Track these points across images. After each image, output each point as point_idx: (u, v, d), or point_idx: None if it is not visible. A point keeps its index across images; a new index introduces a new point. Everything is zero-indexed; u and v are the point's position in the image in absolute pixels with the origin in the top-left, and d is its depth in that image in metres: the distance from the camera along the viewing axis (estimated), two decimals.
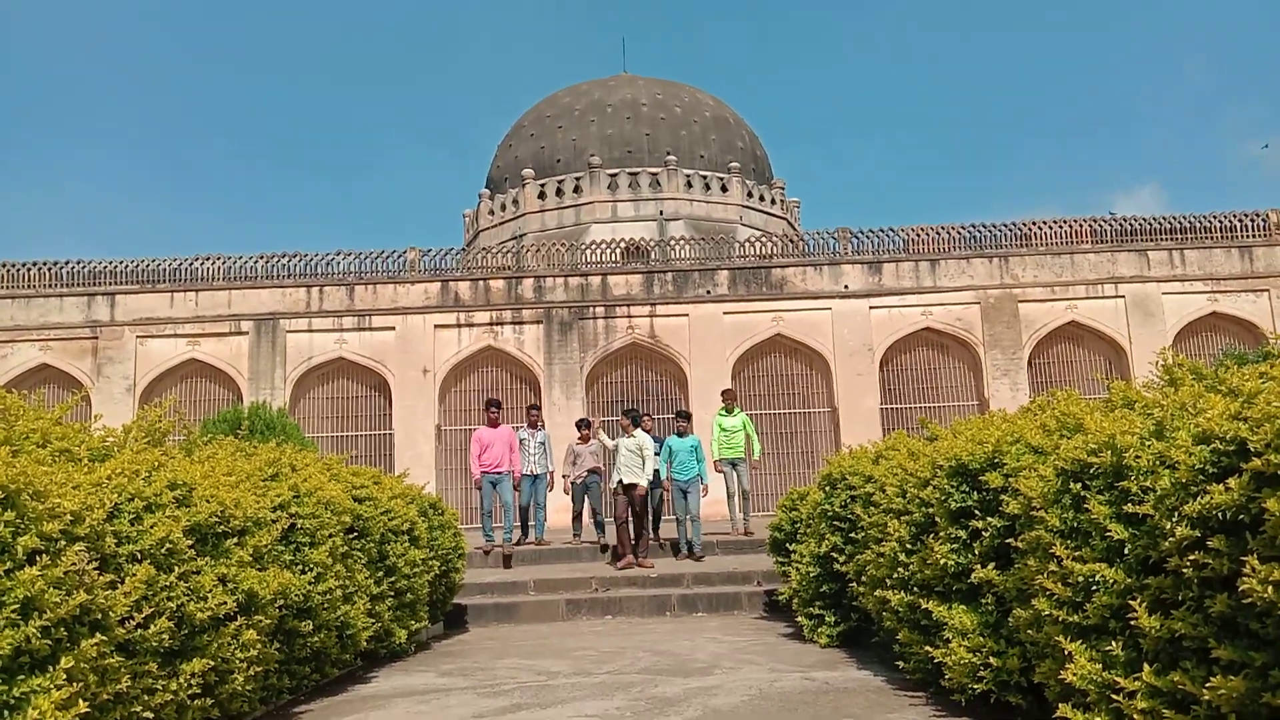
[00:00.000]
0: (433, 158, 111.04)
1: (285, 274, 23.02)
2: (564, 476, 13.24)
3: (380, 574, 6.54)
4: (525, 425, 13.17)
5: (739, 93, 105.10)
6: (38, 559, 3.09)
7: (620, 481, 11.63)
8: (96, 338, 22.59)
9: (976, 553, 4.42)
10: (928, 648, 4.55)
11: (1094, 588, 3.31)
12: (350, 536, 6.06)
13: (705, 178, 27.96)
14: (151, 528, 3.83)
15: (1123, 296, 22.08)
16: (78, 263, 23.18)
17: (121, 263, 23.23)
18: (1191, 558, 2.83)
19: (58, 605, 3.10)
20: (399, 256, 23.21)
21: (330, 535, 5.61)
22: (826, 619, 6.83)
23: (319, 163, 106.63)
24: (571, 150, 28.36)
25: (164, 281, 22.93)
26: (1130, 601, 3.10)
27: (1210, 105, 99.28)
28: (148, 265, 23.13)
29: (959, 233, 22.87)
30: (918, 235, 22.91)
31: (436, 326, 22.54)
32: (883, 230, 22.99)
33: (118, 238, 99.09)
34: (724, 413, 13.60)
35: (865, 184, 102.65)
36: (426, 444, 22.11)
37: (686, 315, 22.38)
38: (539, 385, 22.26)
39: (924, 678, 4.88)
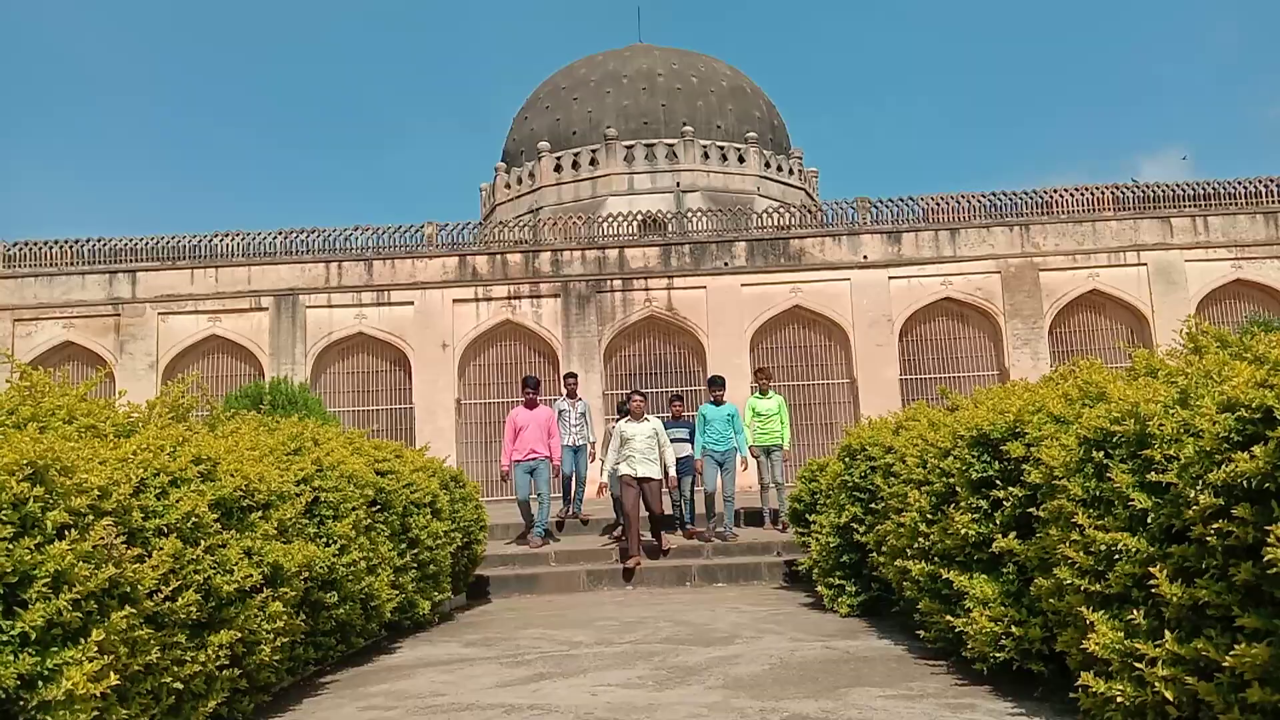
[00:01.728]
0: (449, 132, 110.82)
1: (304, 250, 23.10)
2: (602, 460, 11.34)
3: (403, 546, 6.59)
4: (564, 396, 12.27)
5: (756, 61, 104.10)
6: (67, 533, 3.13)
7: (630, 473, 9.74)
8: (119, 315, 22.77)
9: (998, 522, 4.41)
10: (949, 617, 4.56)
11: (1116, 557, 3.30)
12: (373, 510, 6.11)
13: (722, 149, 27.78)
14: (177, 502, 3.87)
15: (1145, 264, 21.84)
16: (99, 240, 23.33)
17: (142, 240, 23.35)
18: (1215, 526, 2.82)
19: (87, 579, 3.14)
20: (416, 231, 23.23)
21: (353, 508, 5.66)
22: (847, 589, 6.84)
23: (335, 140, 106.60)
24: (587, 122, 28.22)
25: (184, 259, 23.05)
26: (1152, 570, 3.09)
27: (1237, 71, 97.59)
28: (168, 242, 23.25)
29: (979, 201, 22.65)
30: (937, 204, 22.71)
31: (455, 301, 22.59)
32: (902, 200, 22.81)
33: (138, 216, 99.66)
34: (758, 394, 11.86)
35: (884, 153, 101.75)
36: (446, 418, 22.22)
37: (704, 287, 22.31)
38: (557, 359, 22.29)
39: (945, 647, 4.89)
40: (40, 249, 23.26)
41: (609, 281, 22.46)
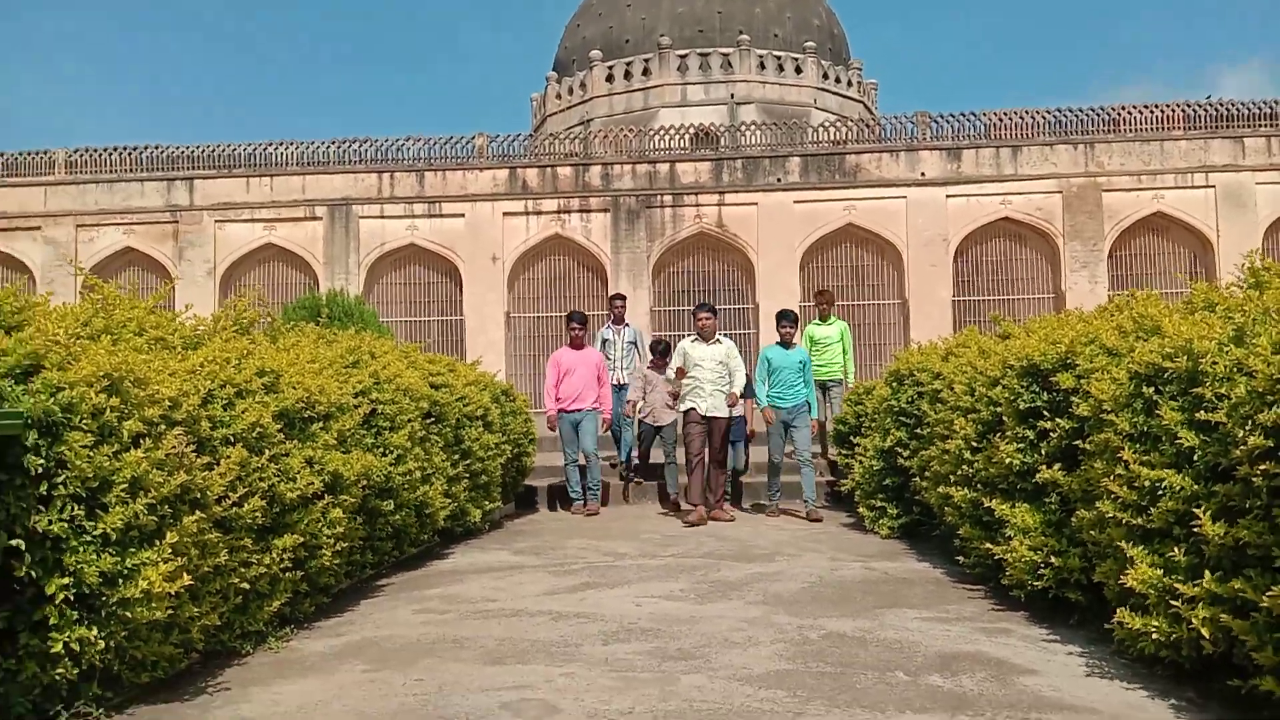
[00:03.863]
0: (500, 40, 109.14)
1: (357, 160, 23.16)
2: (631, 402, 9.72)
3: (456, 457, 6.78)
4: (609, 323, 10.67)
5: None
6: (142, 442, 3.30)
7: (694, 409, 8.23)
8: (177, 222, 23.14)
9: (1043, 453, 4.42)
10: (989, 545, 4.62)
11: (1160, 493, 3.32)
12: (428, 421, 6.28)
13: (779, 58, 27.09)
14: (243, 413, 4.03)
15: (1213, 186, 21.10)
16: (156, 148, 23.59)
17: (198, 148, 23.58)
18: (1262, 467, 2.82)
19: (161, 485, 3.32)
20: (468, 143, 23.13)
21: (409, 420, 5.82)
22: (888, 511, 6.93)
23: (387, 51, 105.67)
24: (640, 30, 27.63)
25: (240, 167, 23.26)
26: (1195, 509, 3.11)
27: None
28: (224, 151, 23.45)
29: (1043, 118, 21.92)
30: (999, 120, 22.03)
31: (505, 214, 22.58)
32: (963, 115, 22.15)
33: (194, 126, 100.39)
34: (818, 321, 10.49)
35: (946, 65, 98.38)
36: (497, 330, 22.44)
37: (756, 204, 22.03)
38: (605, 274, 22.31)
39: (983, 573, 4.96)
40: (100, 156, 23.60)
41: (659, 197, 22.27)
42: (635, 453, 10.01)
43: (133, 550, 3.21)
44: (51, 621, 3.01)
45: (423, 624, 4.51)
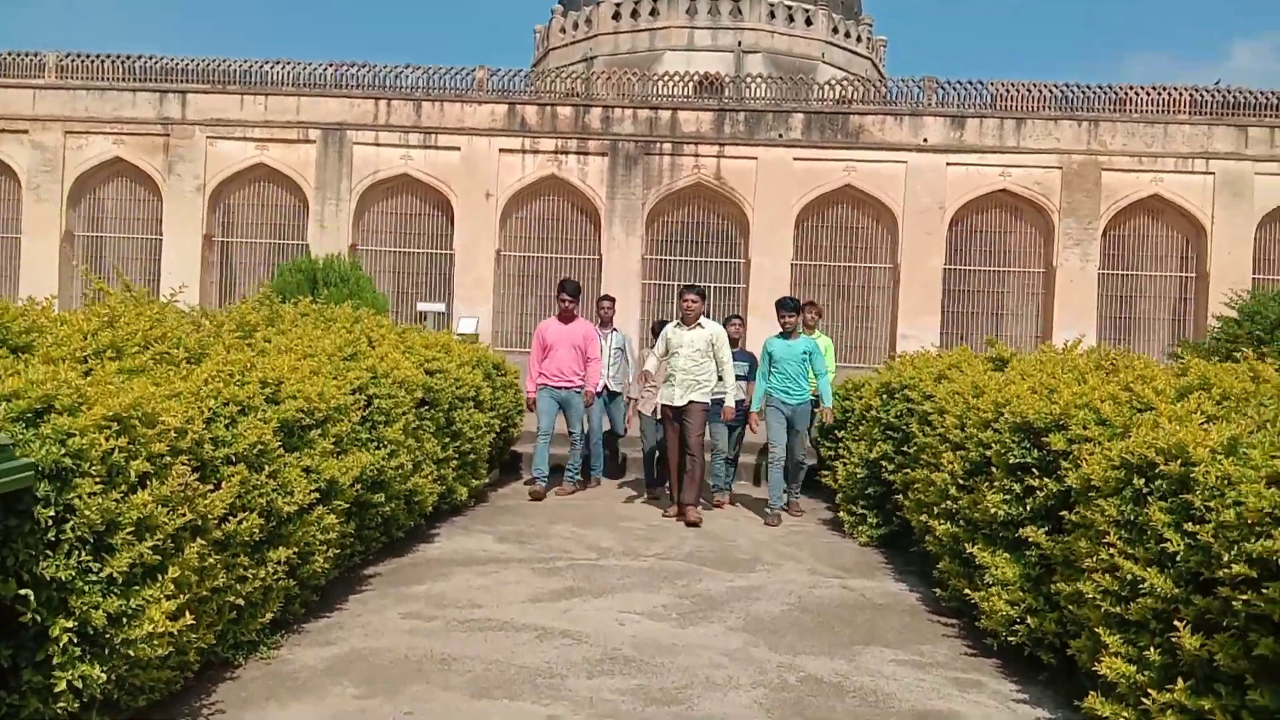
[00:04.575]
0: None
1: (354, 84, 22.73)
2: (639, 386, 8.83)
3: (446, 440, 6.83)
4: (595, 326, 9.38)
5: None
6: (149, 482, 3.32)
7: (669, 401, 7.87)
8: (168, 135, 22.73)
9: (1028, 508, 4.52)
10: (968, 590, 4.74)
11: (1141, 588, 3.42)
12: (421, 409, 6.31)
13: (789, 9, 26.56)
14: (245, 431, 4.05)
15: (1213, 173, 21.09)
16: (150, 58, 23.05)
17: (192, 60, 23.06)
18: (1244, 597, 2.91)
19: (167, 524, 3.35)
20: (467, 74, 22.72)
21: (404, 413, 5.86)
22: (868, 519, 7.06)
23: None
24: None
25: (234, 84, 22.78)
26: (1175, 613, 3.21)
27: None
28: (218, 65, 22.95)
29: (1049, 91, 21.74)
30: (1005, 91, 21.82)
31: (501, 150, 22.32)
32: (969, 83, 21.94)
33: (188, 37, 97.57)
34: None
35: (954, 25, 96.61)
36: (486, 267, 22.35)
37: (755, 159, 21.86)
38: (599, 219, 22.17)
39: (959, 607, 5.10)
40: (91, 62, 23.04)
41: (659, 144, 22.04)
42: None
43: (136, 588, 3.26)
44: (55, 660, 3.06)
45: (410, 633, 4.61)
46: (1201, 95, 21.36)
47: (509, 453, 9.62)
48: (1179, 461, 3.43)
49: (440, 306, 21.75)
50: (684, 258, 22.55)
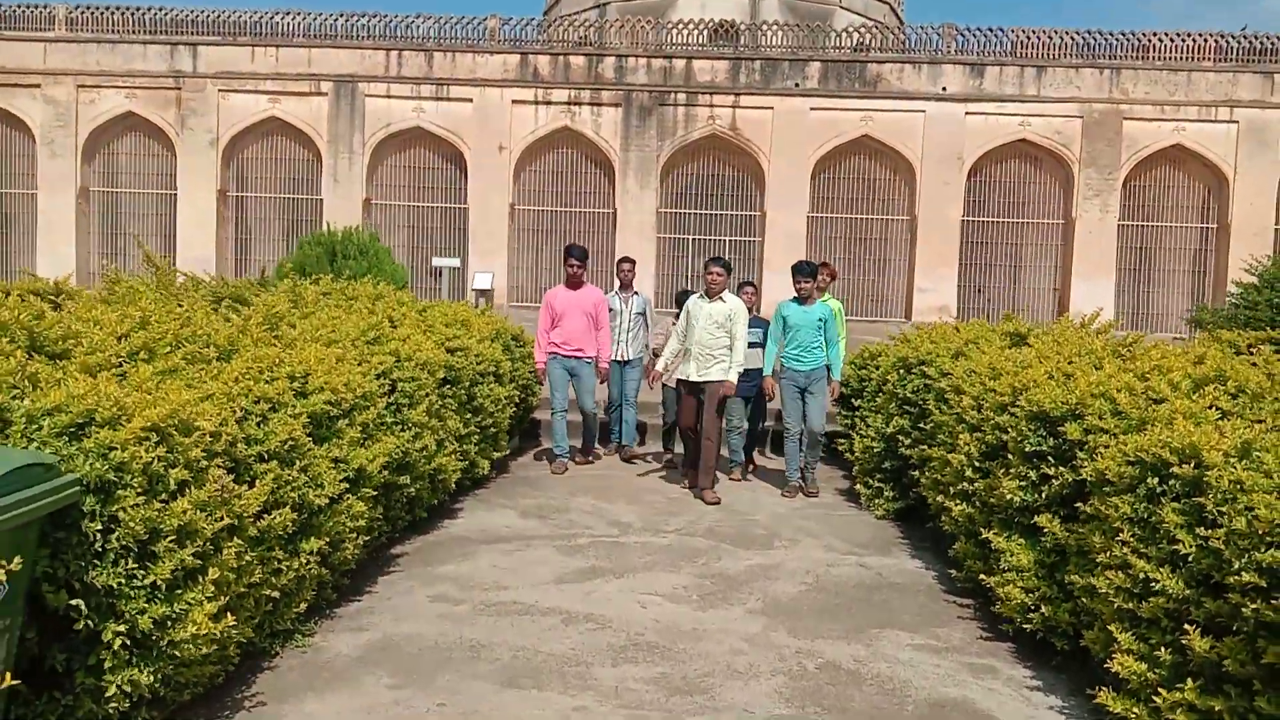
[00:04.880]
0: None
1: (365, 35, 22.52)
2: (655, 355, 8.75)
3: (468, 415, 6.93)
4: (615, 289, 9.39)
5: None
6: (187, 489, 3.43)
7: (684, 376, 7.87)
8: (180, 89, 22.64)
9: (1044, 496, 4.59)
10: (983, 575, 4.84)
11: (1153, 587, 3.50)
12: (443, 388, 6.41)
13: None
14: (276, 428, 4.15)
15: (1236, 122, 20.77)
16: (160, 9, 22.85)
17: (202, 12, 23.02)
18: (1254, 605, 2.99)
19: (206, 527, 3.47)
20: (479, 24, 22.47)
21: (426, 394, 5.95)
22: (885, 493, 7.15)
23: None
24: None
25: (245, 35, 22.61)
26: (1186, 610, 3.30)
27: None
28: (228, 17, 22.75)
29: (1070, 39, 21.35)
30: (1025, 38, 21.45)
31: (514, 102, 22.16)
32: (989, 30, 21.56)
33: None
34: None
35: None
36: (500, 221, 22.33)
37: (771, 109, 21.64)
38: (613, 171, 22.06)
39: (974, 588, 5.20)
40: (101, 14, 22.88)
41: (673, 95, 21.82)
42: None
43: (179, 591, 3.38)
44: (107, 664, 3.20)
45: (439, 617, 4.75)
46: (1226, 41, 20.94)
47: (528, 420, 9.73)
48: (1192, 464, 3.49)
49: (455, 261, 21.80)
50: (699, 210, 22.45)
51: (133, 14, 22.83)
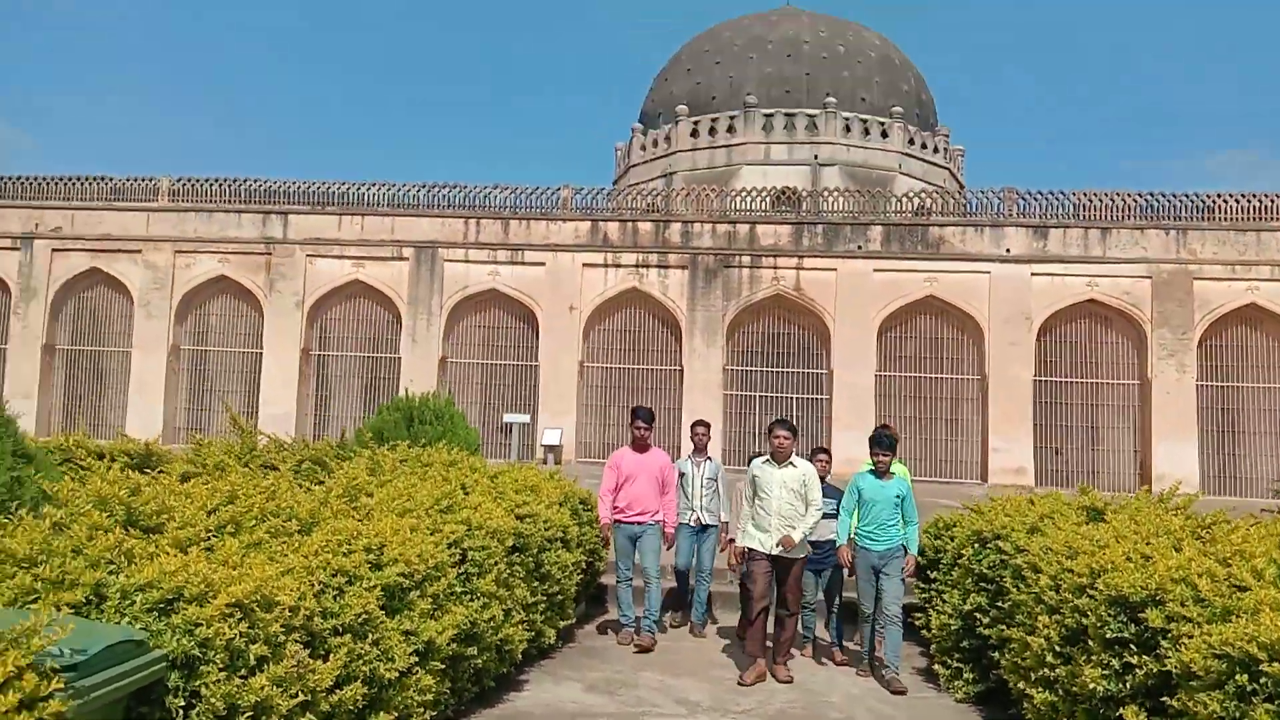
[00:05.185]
0: (589, 90, 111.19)
1: (445, 204, 23.77)
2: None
3: (535, 583, 6.94)
4: (690, 454, 9.15)
5: (906, 31, 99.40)
6: (266, 665, 3.51)
7: (759, 546, 7.36)
8: (270, 254, 23.99)
9: (1129, 685, 4.41)
10: None
11: None
12: (512, 555, 6.46)
13: (865, 122, 27.10)
14: (352, 601, 4.24)
15: None
16: (254, 181, 24.50)
17: (293, 184, 24.45)
18: None
19: (281, 704, 3.52)
20: (553, 194, 23.58)
21: (495, 563, 6.00)
22: (964, 674, 6.87)
23: (479, 97, 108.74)
24: (728, 88, 27.88)
25: (332, 204, 24.03)
26: None
27: None
28: (317, 188, 24.26)
29: (1133, 200, 21.58)
30: (1088, 200, 21.73)
31: (584, 265, 22.96)
32: (1050, 193, 21.92)
33: (290, 163, 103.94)
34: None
35: (1035, 136, 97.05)
36: (569, 379, 22.77)
37: (835, 270, 22.06)
38: (680, 330, 22.51)
39: None
40: (200, 186, 24.60)
41: (738, 257, 22.43)
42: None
43: None
44: None
45: None
46: None
47: (595, 585, 9.65)
48: None
49: (525, 418, 22.19)
50: (765, 368, 22.66)
51: (230, 185, 24.50)
